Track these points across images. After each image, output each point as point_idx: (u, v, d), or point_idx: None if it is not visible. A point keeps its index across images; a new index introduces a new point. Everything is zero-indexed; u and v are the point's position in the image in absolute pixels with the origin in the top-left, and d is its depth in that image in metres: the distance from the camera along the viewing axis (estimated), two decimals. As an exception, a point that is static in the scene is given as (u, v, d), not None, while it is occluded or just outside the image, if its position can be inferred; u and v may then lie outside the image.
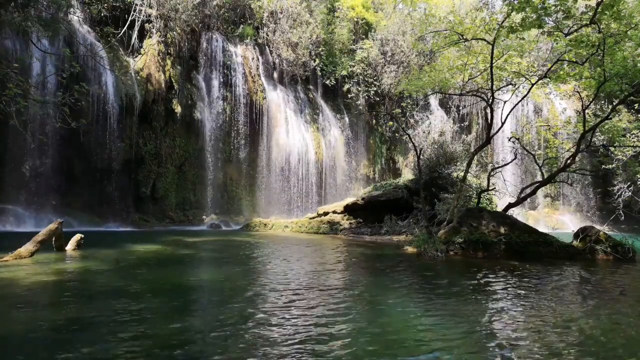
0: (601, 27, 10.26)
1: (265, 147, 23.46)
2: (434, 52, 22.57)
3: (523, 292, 5.85)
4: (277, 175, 23.48)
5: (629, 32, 10.30)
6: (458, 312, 4.64)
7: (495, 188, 13.89)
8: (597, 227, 11.17)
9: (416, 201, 15.38)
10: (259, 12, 24.73)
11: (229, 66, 22.69)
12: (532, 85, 12.71)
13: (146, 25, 20.26)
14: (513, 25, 10.74)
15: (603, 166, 19.45)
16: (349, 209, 17.98)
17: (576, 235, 10.23)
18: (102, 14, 19.01)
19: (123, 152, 18.78)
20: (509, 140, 14.60)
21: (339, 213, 18.11)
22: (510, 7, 10.36)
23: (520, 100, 13.75)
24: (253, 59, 23.83)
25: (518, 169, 26.53)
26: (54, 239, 8.51)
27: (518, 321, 4.35)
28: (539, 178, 16.19)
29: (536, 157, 14.21)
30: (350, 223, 17.22)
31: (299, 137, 24.22)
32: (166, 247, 10.67)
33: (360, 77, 26.56)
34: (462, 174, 14.23)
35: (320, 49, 25.64)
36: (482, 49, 13.68)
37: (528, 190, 13.04)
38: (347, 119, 27.12)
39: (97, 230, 15.98)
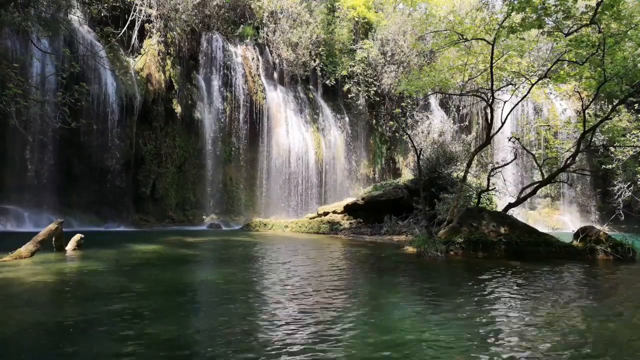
0: (601, 27, 10.27)
1: (265, 147, 23.46)
2: (434, 52, 22.59)
3: (523, 292, 5.85)
4: (277, 175, 23.47)
5: (629, 32, 10.30)
6: (458, 312, 4.64)
7: (495, 188, 13.89)
8: (597, 227, 11.18)
9: (416, 201, 15.37)
10: (259, 12, 24.72)
11: (229, 66, 22.68)
12: (532, 85, 12.70)
13: (146, 25, 20.25)
14: (513, 25, 10.75)
15: (603, 166, 19.45)
16: (349, 209, 17.97)
17: (576, 235, 10.23)
18: (102, 14, 19.00)
19: (123, 152, 18.77)
20: (509, 140, 14.59)
21: (339, 213, 18.11)
22: (510, 7, 10.37)
23: (520, 100, 13.75)
24: (253, 59, 23.82)
25: (518, 169, 26.55)
26: (54, 239, 8.51)
27: (518, 322, 4.35)
28: (538, 178, 16.19)
29: (536, 157, 14.21)
30: (350, 223, 17.22)
31: (299, 137, 24.21)
32: (166, 247, 10.67)
33: (360, 77, 26.56)
34: (462, 174, 14.22)
35: (320, 49, 25.64)
36: (482, 49, 13.69)
37: (528, 190, 13.04)
38: (347, 119, 27.12)
39: (97, 230, 15.98)
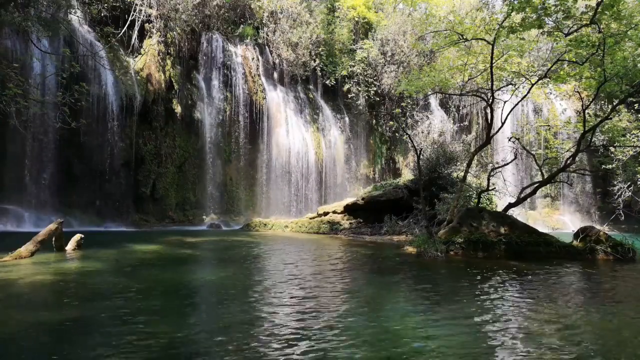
0: (601, 27, 10.27)
1: (265, 147, 23.46)
2: (434, 52, 22.59)
3: (523, 292, 5.85)
4: (277, 175, 23.47)
5: (629, 32, 10.30)
6: (458, 312, 4.64)
7: (495, 188, 13.89)
8: (597, 227, 11.17)
9: (416, 201, 15.37)
10: (259, 12, 24.72)
11: (229, 66, 22.68)
12: (532, 85, 12.70)
13: (146, 25, 20.25)
14: (513, 25, 10.75)
15: (603, 166, 19.45)
16: (349, 209, 17.97)
17: (576, 235, 10.23)
18: (102, 14, 18.99)
19: (123, 152, 18.77)
20: (509, 140, 14.59)
21: (339, 213, 18.10)
22: (510, 7, 10.37)
23: (520, 100, 13.75)
24: (253, 59, 23.82)
25: (518, 169, 26.55)
26: (54, 239, 8.51)
27: (518, 322, 4.35)
28: (538, 178, 16.18)
29: (536, 157, 14.21)
30: (350, 223, 17.21)
31: (299, 137, 24.21)
32: (166, 247, 10.67)
33: (360, 77, 26.56)
34: (462, 174, 14.22)
35: (320, 49, 25.63)
36: (482, 49, 13.68)
37: (528, 190, 13.04)
38: (347, 119, 27.12)
39: (97, 230, 15.98)
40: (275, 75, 25.09)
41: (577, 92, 15.16)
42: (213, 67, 22.51)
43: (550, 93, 17.33)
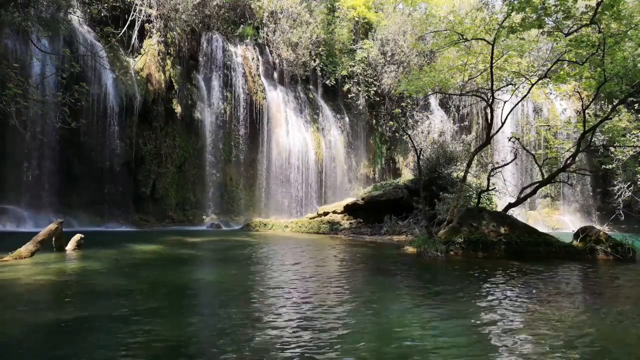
0: (601, 27, 10.27)
1: (265, 147, 23.46)
2: (434, 52, 22.59)
3: (523, 292, 5.85)
4: (277, 175, 23.48)
5: (629, 32, 10.31)
6: (458, 312, 4.64)
7: (495, 188, 13.90)
8: (597, 227, 11.18)
9: (416, 201, 15.38)
10: (259, 12, 24.72)
11: (229, 66, 22.68)
12: (532, 85, 12.71)
13: (146, 25, 20.25)
14: (513, 25, 10.75)
15: (603, 166, 19.46)
16: (349, 209, 17.97)
17: (576, 235, 10.23)
18: (102, 14, 19.00)
19: (123, 152, 18.77)
20: (509, 140, 14.59)
21: (339, 213, 18.11)
22: (510, 7, 10.37)
23: (520, 100, 13.76)
24: (253, 59, 23.82)
25: (518, 169, 26.55)
26: (54, 239, 8.51)
27: (518, 322, 4.35)
28: (538, 178, 16.19)
29: (536, 157, 14.21)
30: (350, 223, 17.22)
31: (299, 137, 24.22)
32: (166, 247, 10.67)
33: (360, 77, 26.56)
34: (462, 174, 14.23)
35: (320, 49, 25.64)
36: (482, 49, 13.69)
37: (528, 190, 13.04)
38: (347, 119, 27.12)
39: (97, 230, 15.97)
40: (275, 75, 25.09)
41: (577, 92, 15.17)
42: (213, 67, 22.51)
43: (550, 93, 17.33)
